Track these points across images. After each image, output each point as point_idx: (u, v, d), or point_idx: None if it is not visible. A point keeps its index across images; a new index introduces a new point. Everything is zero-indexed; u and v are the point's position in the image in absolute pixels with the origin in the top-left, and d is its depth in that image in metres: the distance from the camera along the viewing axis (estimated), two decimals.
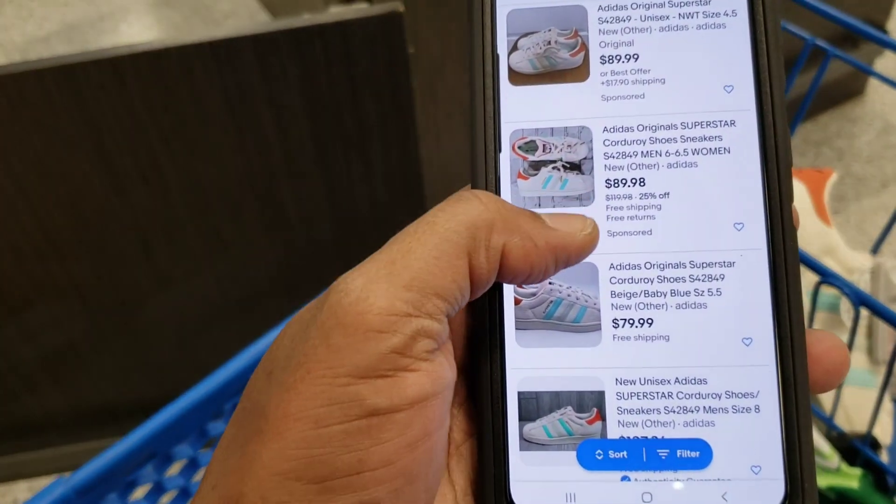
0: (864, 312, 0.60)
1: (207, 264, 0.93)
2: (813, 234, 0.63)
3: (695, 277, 0.26)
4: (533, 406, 0.26)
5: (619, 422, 0.26)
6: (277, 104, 0.80)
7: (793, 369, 0.25)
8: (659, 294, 0.26)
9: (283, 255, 0.94)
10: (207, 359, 0.81)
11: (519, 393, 0.27)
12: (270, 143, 0.83)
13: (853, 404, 0.60)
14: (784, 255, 0.26)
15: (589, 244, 0.26)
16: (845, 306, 0.61)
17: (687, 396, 0.26)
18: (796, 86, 0.69)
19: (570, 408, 0.26)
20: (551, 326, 0.27)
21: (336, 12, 0.76)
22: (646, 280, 0.27)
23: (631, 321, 0.27)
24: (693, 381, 0.26)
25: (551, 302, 0.27)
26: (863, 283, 0.60)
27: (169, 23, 2.19)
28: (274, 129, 0.82)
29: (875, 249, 0.64)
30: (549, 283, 0.27)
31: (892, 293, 0.56)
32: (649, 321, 0.26)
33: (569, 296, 0.27)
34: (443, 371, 0.24)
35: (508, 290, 0.27)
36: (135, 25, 2.22)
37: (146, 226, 0.87)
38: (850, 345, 0.50)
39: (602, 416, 0.26)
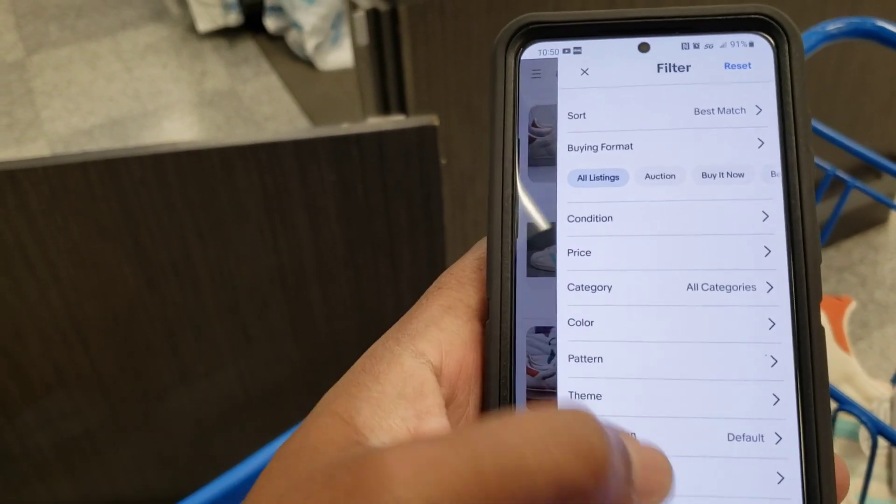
0: (883, 442, 0.60)
1: (231, 360, 0.93)
2: (832, 361, 0.63)
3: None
4: None
5: None
6: (312, 207, 0.82)
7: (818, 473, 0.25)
8: None
9: (307, 353, 0.95)
10: (224, 456, 0.81)
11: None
12: (303, 244, 0.85)
13: None
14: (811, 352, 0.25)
15: None
16: (864, 434, 0.61)
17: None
18: (817, 213, 0.70)
19: None
20: None
21: (374, 122, 0.79)
22: None
23: None
24: None
25: None
26: (882, 413, 0.59)
27: (211, 122, 2.26)
28: (307, 230, 0.84)
29: (895, 379, 0.64)
30: None
31: None
32: None
33: None
34: None
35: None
36: (177, 123, 2.30)
37: (174, 319, 0.88)
38: (869, 474, 0.50)
39: None
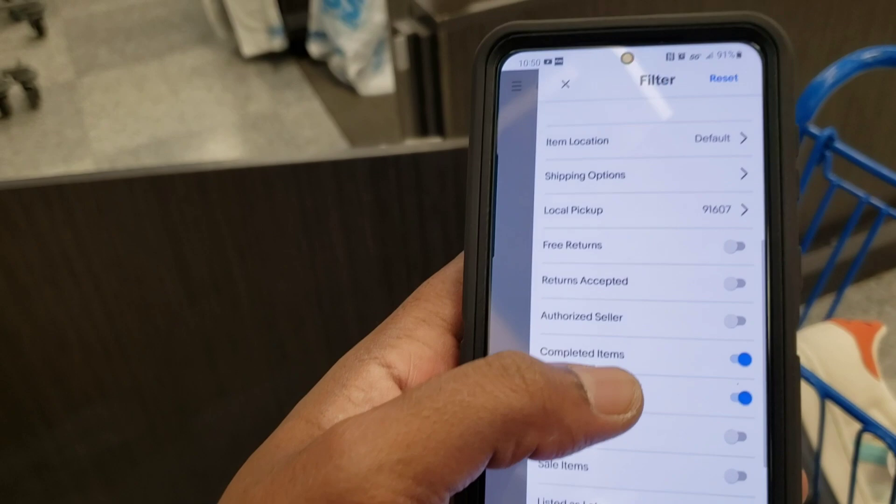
0: None
1: (267, 376, 0.95)
2: (860, 386, 0.62)
3: None
4: None
5: None
6: (349, 226, 0.83)
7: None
8: None
9: None
10: None
11: None
12: (339, 263, 0.86)
13: None
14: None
15: (628, 427, 0.23)
16: (892, 460, 0.60)
17: None
18: (852, 244, 0.70)
19: None
20: None
21: (411, 144, 0.80)
22: None
23: None
24: None
25: None
26: None
27: (253, 145, 2.30)
28: (344, 249, 0.85)
29: None
30: None
31: None
32: None
33: None
34: None
35: None
36: (221, 144, 2.34)
37: (212, 334, 0.90)
38: (894, 498, 0.49)
39: None
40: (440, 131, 1.04)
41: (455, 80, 0.98)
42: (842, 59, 0.60)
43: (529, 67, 0.27)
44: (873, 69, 0.60)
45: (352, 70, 2.38)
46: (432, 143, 0.79)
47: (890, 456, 0.60)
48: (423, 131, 1.05)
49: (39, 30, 2.90)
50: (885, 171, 0.55)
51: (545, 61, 0.27)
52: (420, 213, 0.83)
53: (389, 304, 0.28)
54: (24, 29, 2.95)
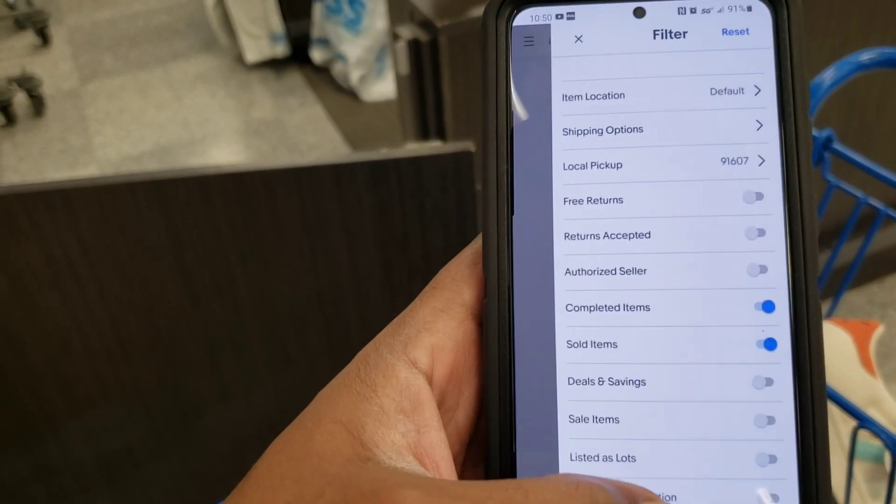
0: None
1: (270, 379, 0.95)
2: (858, 384, 0.62)
3: None
4: None
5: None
6: (351, 230, 0.83)
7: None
8: None
9: None
10: None
11: None
12: (341, 266, 0.86)
13: None
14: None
15: None
16: (889, 457, 0.60)
17: None
18: (853, 248, 0.70)
19: None
20: None
21: (412, 148, 0.81)
22: None
23: None
24: None
25: None
26: None
27: (257, 151, 2.31)
28: (346, 253, 0.85)
29: None
30: None
31: None
32: None
33: None
34: None
35: None
36: (224, 150, 2.34)
37: (215, 337, 0.90)
38: (890, 495, 0.49)
39: None
40: (441, 135, 1.04)
41: (456, 84, 0.98)
42: (839, 60, 0.60)
43: (541, 22, 0.27)
44: (872, 71, 0.61)
45: (354, 76, 2.38)
46: (432, 147, 0.80)
47: (887, 454, 0.60)
48: (424, 135, 1.06)
49: (44, 38, 2.91)
50: (883, 172, 0.55)
51: (556, 16, 0.27)
52: (421, 216, 0.83)
53: (391, 307, 0.28)
54: (29, 37, 2.96)
